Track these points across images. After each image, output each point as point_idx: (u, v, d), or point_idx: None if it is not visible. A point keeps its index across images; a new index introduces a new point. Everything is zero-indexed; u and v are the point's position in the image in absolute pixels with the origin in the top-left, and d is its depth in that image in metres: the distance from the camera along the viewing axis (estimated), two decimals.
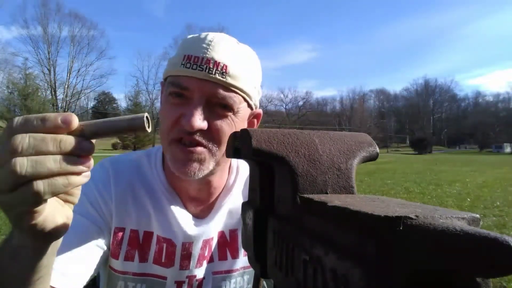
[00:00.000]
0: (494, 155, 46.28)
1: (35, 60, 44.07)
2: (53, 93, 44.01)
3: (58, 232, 0.41)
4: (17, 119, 0.37)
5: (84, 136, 0.38)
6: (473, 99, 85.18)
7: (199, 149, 0.65)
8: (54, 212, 0.40)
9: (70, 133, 0.37)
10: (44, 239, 0.41)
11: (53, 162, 0.35)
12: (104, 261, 0.74)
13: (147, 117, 0.39)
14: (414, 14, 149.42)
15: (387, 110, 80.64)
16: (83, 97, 50.79)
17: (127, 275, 0.73)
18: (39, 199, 0.35)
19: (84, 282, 0.65)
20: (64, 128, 0.37)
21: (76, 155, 0.37)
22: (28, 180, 0.34)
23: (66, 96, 45.51)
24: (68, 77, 46.23)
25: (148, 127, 0.39)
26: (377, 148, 0.34)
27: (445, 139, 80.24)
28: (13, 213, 0.38)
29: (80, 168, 0.37)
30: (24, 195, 0.35)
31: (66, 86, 45.78)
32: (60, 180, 0.35)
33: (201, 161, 0.66)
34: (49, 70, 44.16)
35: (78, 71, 47.40)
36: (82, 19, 48.47)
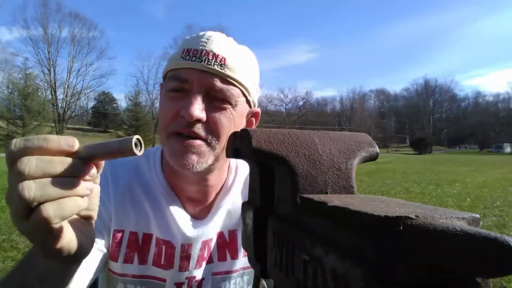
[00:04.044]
0: (494, 155, 46.21)
1: (35, 60, 44.05)
2: (53, 93, 43.96)
3: (84, 251, 0.42)
4: (15, 141, 0.36)
5: (80, 159, 0.38)
6: (473, 99, 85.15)
7: (198, 142, 0.64)
8: (77, 233, 0.40)
9: (67, 156, 0.37)
10: (72, 261, 0.41)
11: (62, 184, 0.35)
12: (104, 264, 0.74)
13: (138, 139, 0.38)
14: (413, 14, 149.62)
15: (387, 110, 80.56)
16: (83, 97, 50.74)
17: (126, 278, 0.73)
18: (49, 225, 0.34)
19: (85, 286, 0.65)
20: (66, 150, 0.37)
21: (81, 178, 0.37)
22: (38, 203, 0.34)
23: (66, 96, 45.46)
24: (68, 77, 46.21)
25: (140, 150, 0.38)
26: (377, 148, 0.34)
27: (445, 139, 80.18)
28: (35, 241, 0.38)
29: (85, 191, 0.37)
30: (35, 222, 0.34)
31: (66, 86, 45.72)
32: (69, 203, 0.35)
33: (199, 154, 0.65)
34: (49, 70, 44.12)
35: (78, 71, 47.35)
36: (82, 19, 48.51)
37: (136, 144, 0.37)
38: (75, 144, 0.37)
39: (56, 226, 0.36)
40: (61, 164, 0.35)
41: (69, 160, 0.36)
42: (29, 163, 0.34)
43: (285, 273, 0.27)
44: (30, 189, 0.33)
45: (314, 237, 0.23)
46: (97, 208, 0.45)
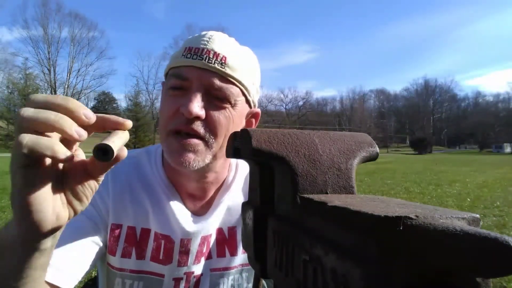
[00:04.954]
0: (494, 155, 46.19)
1: (35, 60, 44.13)
2: (53, 93, 43.73)
3: (44, 229, 0.40)
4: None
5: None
6: (473, 99, 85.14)
7: (195, 140, 0.65)
8: (50, 206, 0.39)
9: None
10: (32, 232, 0.40)
11: (53, 115, 0.37)
12: (101, 258, 0.75)
13: (101, 147, 0.38)
14: (413, 14, 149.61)
15: (387, 110, 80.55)
16: (83, 97, 50.70)
17: (124, 272, 0.74)
18: (19, 150, 0.36)
19: (79, 278, 0.65)
20: (84, 120, 0.40)
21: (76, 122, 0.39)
22: (28, 126, 0.36)
23: (66, 96, 45.47)
24: (68, 77, 46.30)
25: (106, 156, 0.38)
26: (377, 148, 0.34)
27: (445, 139, 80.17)
28: (14, 184, 0.38)
29: (75, 134, 0.37)
30: (14, 149, 0.37)
31: (66, 86, 45.80)
32: (43, 141, 0.36)
33: (196, 152, 0.66)
34: (49, 70, 44.21)
35: (78, 71, 47.48)
36: (82, 19, 48.57)
37: (100, 150, 0.38)
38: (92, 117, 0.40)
39: (26, 153, 0.36)
40: (63, 99, 0.39)
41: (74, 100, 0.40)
42: (36, 95, 0.39)
43: (285, 273, 0.27)
44: (27, 110, 0.37)
45: (314, 237, 0.23)
46: (87, 202, 0.44)
